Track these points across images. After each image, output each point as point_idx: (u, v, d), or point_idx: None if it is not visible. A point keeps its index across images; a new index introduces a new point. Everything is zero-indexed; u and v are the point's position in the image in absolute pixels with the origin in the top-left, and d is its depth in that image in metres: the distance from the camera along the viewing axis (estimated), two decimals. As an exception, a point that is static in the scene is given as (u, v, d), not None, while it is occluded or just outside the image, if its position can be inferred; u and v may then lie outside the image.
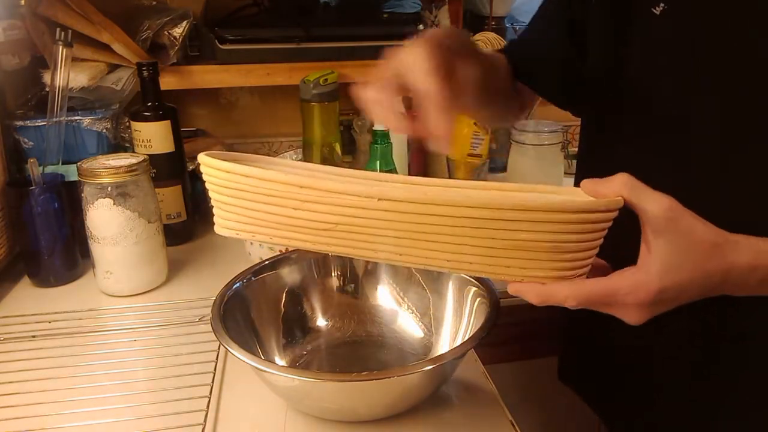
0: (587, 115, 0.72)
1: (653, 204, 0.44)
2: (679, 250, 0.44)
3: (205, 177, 0.51)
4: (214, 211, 0.53)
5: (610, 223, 0.45)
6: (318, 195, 0.46)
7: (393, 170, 0.95)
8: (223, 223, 0.53)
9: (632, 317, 0.46)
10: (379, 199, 0.44)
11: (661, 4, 0.57)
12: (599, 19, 0.65)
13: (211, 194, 0.52)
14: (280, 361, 0.68)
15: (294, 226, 0.49)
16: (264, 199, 0.48)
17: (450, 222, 0.44)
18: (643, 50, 0.59)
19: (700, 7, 0.55)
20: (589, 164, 0.71)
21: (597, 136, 0.69)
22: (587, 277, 0.47)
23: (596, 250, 0.46)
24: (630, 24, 0.60)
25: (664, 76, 0.58)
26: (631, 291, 0.44)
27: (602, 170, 0.67)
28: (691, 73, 0.56)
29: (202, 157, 0.50)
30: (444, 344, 0.69)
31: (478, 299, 0.65)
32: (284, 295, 0.72)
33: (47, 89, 0.91)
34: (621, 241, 0.45)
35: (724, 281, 0.46)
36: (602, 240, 0.46)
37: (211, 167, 0.50)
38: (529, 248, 0.45)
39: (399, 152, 1.17)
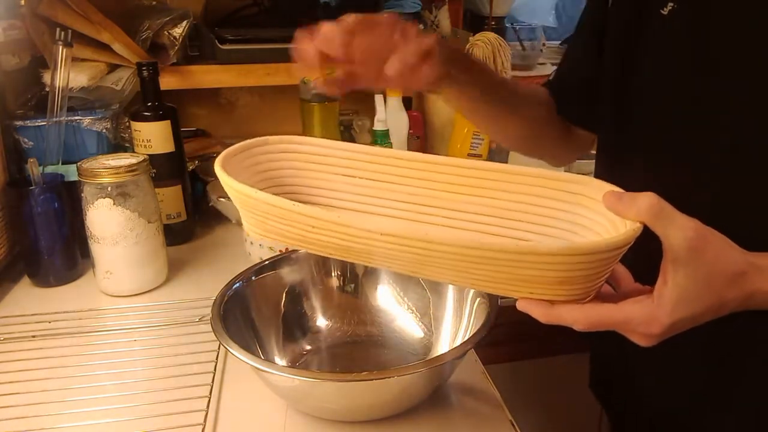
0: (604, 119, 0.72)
1: (677, 233, 0.41)
2: (697, 281, 0.43)
3: (224, 187, 0.51)
4: (241, 215, 0.53)
5: (623, 251, 0.43)
6: (325, 224, 0.46)
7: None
8: (248, 227, 0.53)
9: (642, 342, 0.45)
10: (381, 234, 0.44)
11: (670, 4, 0.56)
12: (614, 21, 0.64)
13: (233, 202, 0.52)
14: (280, 361, 0.68)
15: (311, 243, 0.49)
16: (277, 219, 0.48)
17: (453, 257, 0.43)
18: (653, 51, 0.59)
19: (708, 6, 0.54)
20: (606, 161, 0.70)
21: (613, 138, 0.68)
22: (602, 291, 0.47)
23: (608, 275, 0.45)
24: (641, 25, 0.59)
25: (673, 77, 0.58)
26: (641, 323, 0.44)
27: (619, 169, 0.67)
28: (700, 73, 0.55)
29: (216, 168, 0.50)
30: (444, 344, 0.69)
31: (478, 299, 0.65)
32: (284, 295, 0.72)
33: (47, 89, 0.91)
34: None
35: (743, 305, 0.45)
36: (615, 263, 0.45)
37: (222, 181, 0.50)
38: (535, 281, 0.44)
39: (399, 152, 1.17)
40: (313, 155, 0.58)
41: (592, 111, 0.70)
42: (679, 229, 0.42)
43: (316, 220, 0.46)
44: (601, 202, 0.46)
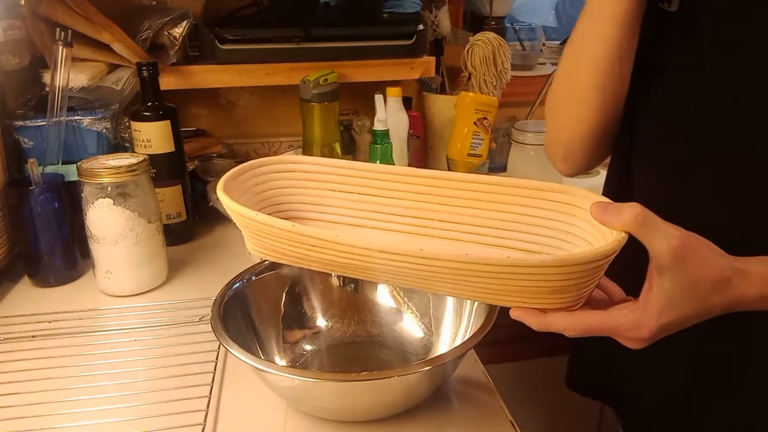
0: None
1: (662, 241, 0.43)
2: (682, 287, 0.44)
3: (226, 210, 0.52)
4: (244, 236, 0.54)
5: (611, 260, 0.44)
6: (324, 243, 0.47)
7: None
8: (251, 247, 0.54)
9: (632, 345, 0.47)
10: (379, 251, 0.46)
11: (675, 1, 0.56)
12: None
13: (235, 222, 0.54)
14: (280, 361, 0.68)
15: (312, 261, 0.50)
16: (279, 239, 0.50)
17: (448, 272, 0.45)
18: (657, 47, 0.59)
19: (708, 3, 0.54)
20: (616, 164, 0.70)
21: (626, 135, 0.68)
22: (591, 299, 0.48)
23: (597, 282, 0.47)
24: (648, 20, 0.59)
25: (674, 74, 0.58)
26: (630, 328, 0.45)
27: (628, 168, 0.66)
28: (698, 70, 0.55)
29: (218, 192, 0.52)
30: (444, 344, 0.69)
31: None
32: (284, 295, 0.72)
33: (47, 89, 0.91)
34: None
35: (728, 309, 0.46)
36: (604, 271, 0.46)
37: (225, 204, 0.51)
38: (528, 292, 0.45)
39: (399, 152, 1.17)
40: (310, 173, 0.60)
41: None
42: (663, 238, 0.43)
43: (315, 240, 0.48)
44: (589, 211, 0.48)
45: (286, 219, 0.50)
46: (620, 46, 0.57)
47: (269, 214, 0.51)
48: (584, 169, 0.69)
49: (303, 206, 0.60)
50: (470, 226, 0.56)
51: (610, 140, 0.66)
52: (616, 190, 0.67)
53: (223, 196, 0.51)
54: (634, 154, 0.64)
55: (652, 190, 0.60)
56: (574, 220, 0.51)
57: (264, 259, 0.54)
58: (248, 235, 0.53)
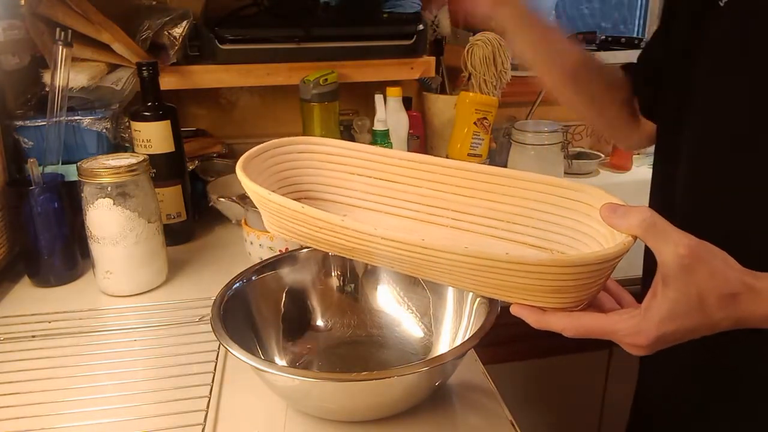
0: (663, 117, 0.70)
1: (669, 249, 0.42)
2: (689, 297, 0.43)
3: (244, 188, 0.53)
4: (261, 213, 0.56)
5: (615, 264, 0.44)
6: (330, 226, 0.48)
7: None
8: (267, 225, 0.56)
9: (631, 351, 0.46)
10: (382, 238, 0.46)
11: None
12: (680, 9, 0.64)
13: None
14: (280, 361, 0.68)
15: (319, 242, 0.52)
16: (290, 219, 0.51)
17: (448, 263, 0.45)
18: (711, 44, 0.57)
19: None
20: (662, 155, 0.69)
21: (669, 127, 0.66)
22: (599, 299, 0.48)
23: (602, 285, 0.46)
24: (701, 16, 0.58)
25: (730, 71, 0.56)
26: (628, 334, 0.44)
27: (670, 163, 0.66)
28: (755, 69, 0.53)
29: (237, 169, 0.53)
30: (444, 344, 0.69)
31: (478, 299, 0.65)
32: (284, 295, 0.72)
33: (47, 89, 0.91)
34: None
35: (735, 325, 0.45)
36: (610, 276, 0.46)
37: (242, 182, 0.52)
38: (527, 289, 0.45)
39: (399, 152, 1.17)
40: (331, 155, 0.61)
41: (656, 96, 0.69)
42: (671, 245, 0.42)
43: (322, 222, 0.49)
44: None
45: (304, 200, 0.51)
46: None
47: (288, 194, 0.53)
48: (634, 146, 0.84)
49: (322, 187, 0.61)
50: (482, 218, 0.56)
51: (634, 125, 0.76)
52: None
53: (241, 174, 0.52)
54: (678, 152, 0.63)
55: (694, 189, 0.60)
56: (587, 219, 0.51)
57: (280, 236, 0.56)
58: (264, 213, 0.55)
